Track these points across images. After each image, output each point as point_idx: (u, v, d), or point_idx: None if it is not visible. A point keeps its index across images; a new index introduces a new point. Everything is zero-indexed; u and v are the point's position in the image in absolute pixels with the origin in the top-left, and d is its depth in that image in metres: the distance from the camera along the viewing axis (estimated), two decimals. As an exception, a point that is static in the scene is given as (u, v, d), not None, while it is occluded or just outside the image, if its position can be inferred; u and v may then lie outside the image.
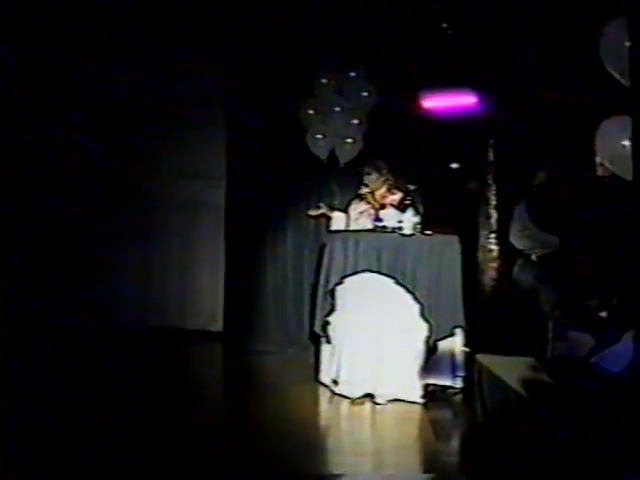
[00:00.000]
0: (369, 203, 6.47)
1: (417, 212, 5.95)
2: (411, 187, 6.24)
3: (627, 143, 4.93)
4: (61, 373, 5.77)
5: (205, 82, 7.90)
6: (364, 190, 6.55)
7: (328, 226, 6.78)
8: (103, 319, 7.41)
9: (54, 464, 3.93)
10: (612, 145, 5.03)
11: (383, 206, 6.29)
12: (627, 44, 4.76)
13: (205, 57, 7.87)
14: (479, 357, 5.43)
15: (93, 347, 6.68)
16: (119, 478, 3.82)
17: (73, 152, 7.55)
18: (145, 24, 7.53)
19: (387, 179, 6.52)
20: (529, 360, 5.35)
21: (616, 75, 4.88)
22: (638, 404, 3.93)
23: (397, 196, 6.37)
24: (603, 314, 5.55)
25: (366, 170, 6.50)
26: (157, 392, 5.54)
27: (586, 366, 4.74)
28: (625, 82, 4.81)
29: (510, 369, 4.97)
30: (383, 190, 6.48)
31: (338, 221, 6.48)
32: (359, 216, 6.43)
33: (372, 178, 6.46)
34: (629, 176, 5.02)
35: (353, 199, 6.69)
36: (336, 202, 7.24)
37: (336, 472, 3.95)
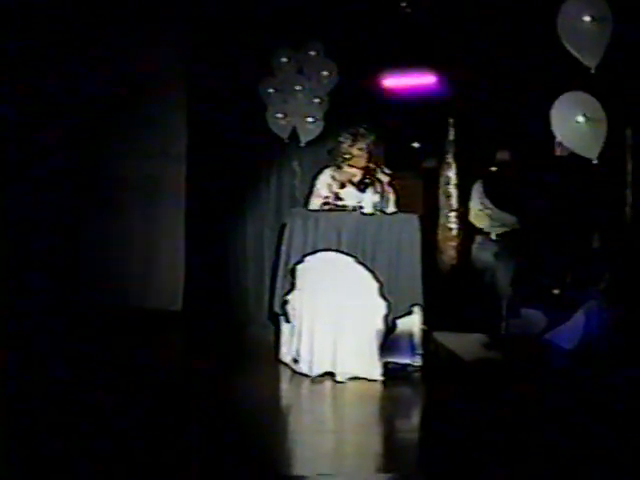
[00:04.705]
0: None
1: (377, 191, 5.95)
2: (372, 166, 6.21)
3: (581, 119, 4.99)
4: (22, 357, 5.71)
5: (165, 60, 7.81)
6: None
7: (293, 205, 6.70)
8: (64, 299, 7.34)
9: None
10: (567, 121, 5.08)
11: (344, 185, 6.19)
12: (585, 19, 4.82)
13: (165, 35, 7.78)
14: (436, 335, 5.51)
15: (56, 327, 6.62)
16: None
17: (31, 135, 7.43)
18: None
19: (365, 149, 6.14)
20: (483, 337, 5.46)
21: (573, 51, 4.93)
22: (588, 379, 4.03)
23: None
24: (556, 292, 5.65)
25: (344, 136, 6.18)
26: (116, 373, 5.50)
27: (538, 342, 4.83)
28: (582, 59, 4.86)
29: (465, 346, 5.06)
30: (362, 162, 6.14)
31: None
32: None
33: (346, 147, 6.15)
34: (583, 152, 5.10)
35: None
36: (296, 181, 7.25)
37: (298, 474, 3.92)
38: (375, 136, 6.21)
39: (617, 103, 5.41)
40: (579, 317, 5.11)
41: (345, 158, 6.14)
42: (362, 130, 6.10)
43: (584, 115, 4.97)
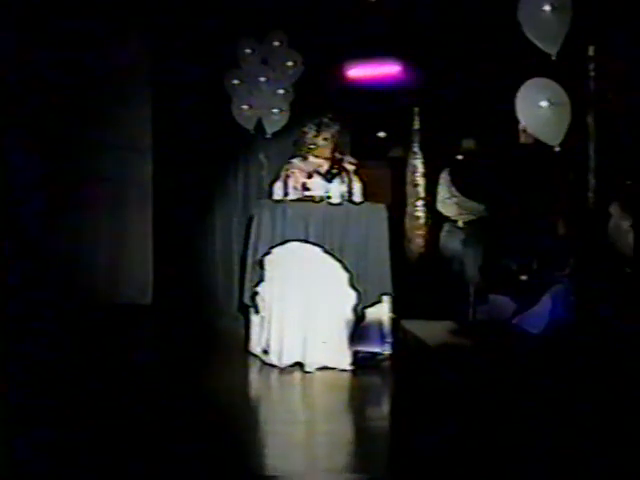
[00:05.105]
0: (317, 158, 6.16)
1: (343, 181, 5.96)
2: (338, 156, 6.22)
3: (545, 104, 5.04)
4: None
5: (129, 52, 7.74)
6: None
7: (260, 196, 6.68)
8: (30, 294, 7.25)
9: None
10: (531, 107, 5.13)
11: (311, 175, 6.19)
12: (545, 8, 4.88)
13: (128, 27, 7.70)
14: (404, 323, 5.54)
15: (24, 323, 6.54)
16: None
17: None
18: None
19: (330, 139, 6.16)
20: (452, 324, 5.51)
21: (533, 39, 4.99)
22: (555, 363, 4.08)
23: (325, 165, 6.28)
24: (523, 277, 5.72)
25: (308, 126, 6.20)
26: (86, 367, 5.47)
27: (506, 328, 4.89)
28: (542, 46, 4.92)
29: (434, 333, 5.09)
30: (328, 152, 6.17)
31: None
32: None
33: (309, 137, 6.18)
34: (547, 139, 5.16)
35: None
36: (263, 172, 7.24)
37: (269, 464, 3.92)
38: (340, 126, 6.22)
39: (579, 89, 5.48)
40: (545, 302, 5.18)
41: (310, 148, 6.15)
42: (326, 120, 6.11)
43: (548, 100, 5.02)
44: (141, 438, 4.01)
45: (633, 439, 3.76)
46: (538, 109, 5.07)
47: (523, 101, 5.16)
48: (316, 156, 6.14)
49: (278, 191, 6.04)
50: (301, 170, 6.09)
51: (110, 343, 6.36)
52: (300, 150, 6.26)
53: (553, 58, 4.94)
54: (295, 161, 6.20)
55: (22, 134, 7.42)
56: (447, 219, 7.14)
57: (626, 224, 5.09)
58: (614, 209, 5.48)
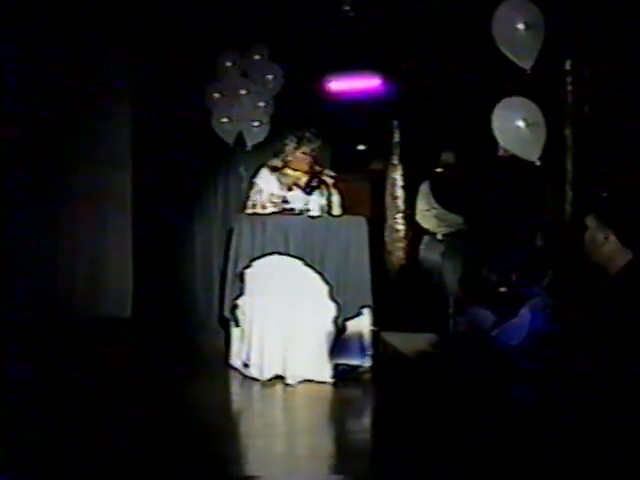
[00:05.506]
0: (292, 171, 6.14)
1: (323, 194, 5.98)
2: (317, 169, 6.22)
3: (522, 124, 5.11)
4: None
5: (109, 66, 7.72)
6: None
7: (240, 209, 6.67)
8: (11, 309, 7.18)
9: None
10: (507, 126, 5.18)
11: (290, 188, 6.19)
12: (518, 25, 4.96)
13: (108, 40, 7.69)
14: (384, 335, 5.55)
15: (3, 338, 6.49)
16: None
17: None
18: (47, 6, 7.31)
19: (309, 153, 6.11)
20: (432, 336, 5.53)
21: (509, 55, 5.05)
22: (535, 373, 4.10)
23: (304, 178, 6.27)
24: (503, 290, 5.75)
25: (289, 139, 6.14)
26: (65, 381, 5.43)
27: (485, 340, 4.91)
28: (517, 61, 4.98)
29: (414, 346, 5.11)
30: (305, 165, 6.13)
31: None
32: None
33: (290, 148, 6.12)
34: (525, 155, 5.21)
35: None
36: (243, 185, 7.25)
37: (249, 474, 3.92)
38: (321, 141, 6.22)
39: (556, 102, 5.54)
40: (524, 314, 5.21)
41: (287, 160, 6.15)
42: (309, 134, 6.09)
43: (524, 120, 5.08)
44: (121, 451, 3.99)
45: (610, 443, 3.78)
46: (515, 130, 5.13)
47: (499, 120, 5.21)
48: (294, 169, 6.14)
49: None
50: (280, 183, 6.09)
51: (89, 357, 6.32)
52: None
53: (528, 72, 5.01)
54: (266, 169, 6.17)
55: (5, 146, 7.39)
56: (426, 232, 7.17)
57: (601, 236, 5.13)
58: (590, 221, 5.52)
